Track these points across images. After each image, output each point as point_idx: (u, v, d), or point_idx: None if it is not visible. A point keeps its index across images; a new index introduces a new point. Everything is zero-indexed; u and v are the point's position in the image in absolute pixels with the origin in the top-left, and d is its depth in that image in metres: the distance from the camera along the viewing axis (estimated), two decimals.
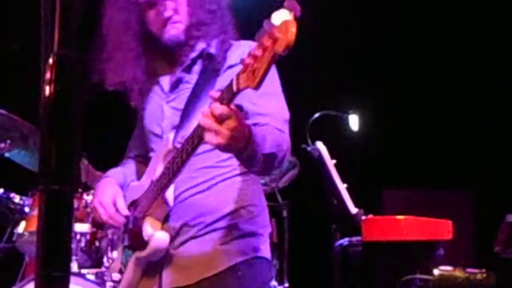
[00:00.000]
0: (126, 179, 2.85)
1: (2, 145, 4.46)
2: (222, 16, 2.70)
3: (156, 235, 2.57)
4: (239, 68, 2.23)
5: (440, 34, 7.00)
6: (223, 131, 2.09)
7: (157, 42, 2.70)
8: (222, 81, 2.51)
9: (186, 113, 2.57)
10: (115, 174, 2.86)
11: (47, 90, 1.31)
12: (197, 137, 2.26)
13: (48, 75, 1.31)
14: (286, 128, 2.53)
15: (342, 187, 4.61)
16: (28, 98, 5.81)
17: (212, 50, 2.63)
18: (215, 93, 2.16)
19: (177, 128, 2.61)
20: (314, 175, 4.78)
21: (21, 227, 4.46)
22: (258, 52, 1.96)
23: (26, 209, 4.57)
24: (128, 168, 2.92)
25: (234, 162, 2.53)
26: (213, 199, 2.61)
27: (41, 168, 1.34)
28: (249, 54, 2.00)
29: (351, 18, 6.83)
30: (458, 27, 6.92)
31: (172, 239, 2.60)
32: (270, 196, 5.66)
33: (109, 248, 2.87)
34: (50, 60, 1.31)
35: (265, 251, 2.64)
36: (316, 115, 5.30)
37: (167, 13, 2.65)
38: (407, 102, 7.17)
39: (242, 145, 2.18)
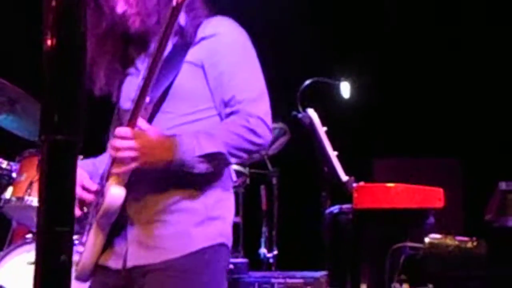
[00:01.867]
0: (97, 168, 2.71)
1: None
2: (195, 10, 2.62)
3: (111, 189, 2.45)
4: (212, 40, 2.46)
5: (436, 5, 6.98)
6: (127, 155, 2.30)
7: (127, 34, 2.63)
8: (194, 52, 2.52)
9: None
10: (83, 163, 2.76)
11: (49, 39, 1.27)
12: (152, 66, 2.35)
13: (49, 22, 1.27)
14: (260, 107, 2.49)
15: (333, 154, 4.58)
16: (16, 62, 5.83)
17: (182, 22, 2.56)
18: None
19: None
20: (305, 142, 4.77)
21: (8, 193, 4.45)
22: None
23: (13, 175, 4.53)
24: (100, 158, 2.79)
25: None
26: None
27: (43, 118, 1.28)
28: None
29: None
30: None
31: (138, 211, 2.53)
32: (259, 164, 5.70)
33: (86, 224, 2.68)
34: (53, 3, 1.27)
35: (229, 237, 2.60)
36: (307, 82, 5.24)
37: (119, 9, 2.58)
38: (398, 71, 7.15)
39: (165, 153, 2.33)
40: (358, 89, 5.94)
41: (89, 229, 2.59)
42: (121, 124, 2.57)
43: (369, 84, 6.71)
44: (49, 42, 1.26)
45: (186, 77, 2.53)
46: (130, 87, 2.64)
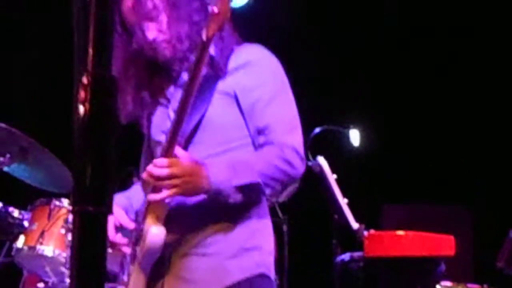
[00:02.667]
0: (131, 202, 2.72)
1: (1, 159, 4.40)
2: (226, 42, 2.61)
3: (151, 230, 2.46)
4: (246, 69, 2.47)
5: (443, 49, 6.99)
6: (169, 183, 2.30)
7: (155, 62, 2.65)
8: (226, 82, 2.53)
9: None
10: (117, 198, 2.71)
11: (81, 109, 1.31)
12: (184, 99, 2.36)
13: (82, 95, 1.31)
14: (294, 138, 2.52)
15: (343, 202, 4.58)
16: (27, 111, 5.83)
17: (212, 52, 2.55)
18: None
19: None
20: (315, 189, 4.76)
21: (20, 242, 4.41)
22: None
23: (25, 224, 4.51)
24: (132, 191, 2.80)
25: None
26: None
27: (74, 189, 1.31)
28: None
29: (352, 33, 6.84)
30: (463, 44, 6.93)
31: (176, 245, 2.53)
32: (269, 211, 5.61)
33: (125, 263, 2.72)
34: (84, 79, 1.32)
35: (269, 266, 2.58)
36: (317, 130, 5.28)
37: (150, 35, 2.58)
38: (408, 117, 7.14)
39: (204, 181, 2.33)
40: (367, 136, 5.94)
41: (129, 268, 2.60)
42: (153, 155, 2.63)
43: (378, 131, 6.70)
44: (81, 111, 1.31)
45: (218, 108, 2.52)
46: (161, 118, 2.67)
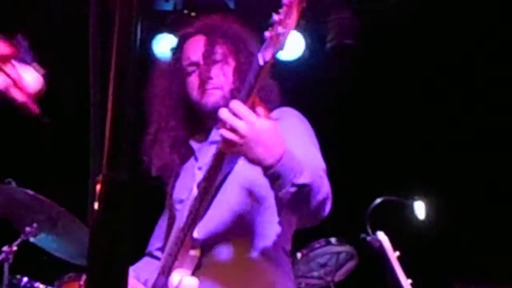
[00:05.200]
0: (138, 276, 2.78)
1: (28, 229, 4.33)
2: (269, 86, 2.73)
3: (184, 281, 2.51)
4: (281, 121, 2.45)
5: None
6: (228, 136, 2.19)
7: (197, 110, 2.75)
8: None
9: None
10: None
11: (96, 206, 1.39)
12: (219, 156, 2.35)
13: (97, 192, 1.39)
14: (325, 177, 2.48)
15: (406, 282, 4.29)
16: (56, 177, 5.74)
17: None
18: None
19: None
20: (374, 268, 4.57)
21: None
22: (281, 16, 2.09)
23: None
24: (140, 263, 2.90)
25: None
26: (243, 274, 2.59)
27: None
28: (273, 23, 2.11)
29: (416, 102, 6.71)
30: None
31: None
32: None
33: None
34: (99, 182, 1.39)
35: None
36: (377, 201, 5.10)
37: (204, 77, 2.69)
38: (479, 188, 6.83)
39: (270, 157, 2.22)
40: (434, 209, 5.86)
41: None
42: (172, 216, 2.73)
43: (446, 203, 6.47)
44: (95, 208, 1.39)
45: (244, 165, 2.46)
46: (187, 176, 2.75)
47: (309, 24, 5.78)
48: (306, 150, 2.52)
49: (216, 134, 2.54)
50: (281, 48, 2.14)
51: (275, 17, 2.10)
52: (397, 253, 4.39)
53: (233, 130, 2.19)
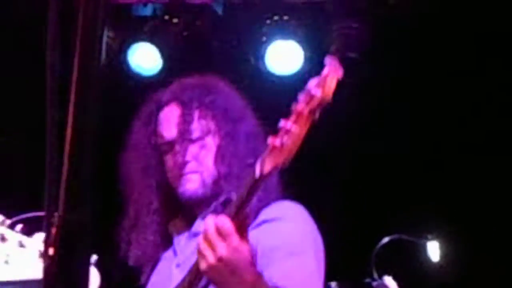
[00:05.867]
0: None
1: None
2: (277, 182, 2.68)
3: None
4: (274, 223, 2.50)
5: None
6: (206, 253, 2.17)
7: (174, 196, 2.70)
8: (251, 236, 2.42)
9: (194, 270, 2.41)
10: None
11: (50, 251, 1.39)
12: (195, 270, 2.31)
13: (51, 239, 1.39)
14: None
15: None
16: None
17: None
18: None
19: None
20: None
21: None
22: (288, 124, 2.06)
23: None
24: None
25: None
26: None
27: None
28: (280, 129, 2.08)
29: (432, 123, 6.63)
30: None
31: None
32: None
33: None
34: (54, 223, 1.39)
35: None
36: (385, 240, 5.21)
37: (180, 159, 2.63)
38: (501, 227, 6.71)
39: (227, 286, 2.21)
40: (450, 250, 5.95)
41: None
42: None
43: (463, 244, 6.44)
44: (49, 253, 1.38)
45: None
46: (163, 273, 2.71)
47: (309, 33, 5.73)
48: (291, 273, 2.47)
49: (200, 225, 2.55)
50: (284, 164, 2.11)
51: (283, 123, 2.07)
52: None
53: (212, 248, 2.20)
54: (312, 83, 2.06)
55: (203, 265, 2.22)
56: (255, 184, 2.17)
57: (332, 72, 2.04)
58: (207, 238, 2.19)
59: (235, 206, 2.23)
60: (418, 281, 5.20)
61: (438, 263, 5.69)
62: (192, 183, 2.63)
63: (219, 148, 2.66)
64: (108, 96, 1.55)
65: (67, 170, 1.38)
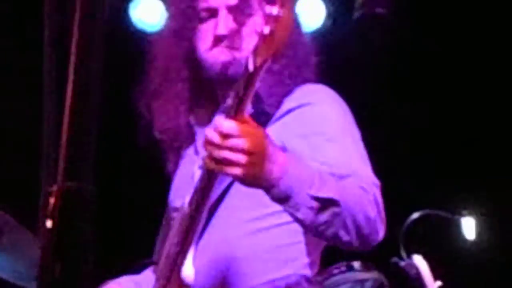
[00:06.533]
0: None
1: None
2: (298, 64, 2.70)
3: None
4: (302, 109, 2.55)
5: None
6: (234, 157, 2.14)
7: (203, 71, 2.72)
8: (274, 130, 2.53)
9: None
10: (123, 283, 2.85)
11: (48, 223, 1.41)
12: (207, 176, 2.32)
13: (50, 207, 1.41)
14: (376, 192, 2.43)
15: None
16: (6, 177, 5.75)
17: (261, 90, 2.58)
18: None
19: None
20: None
21: None
22: (275, 10, 2.05)
23: None
24: (143, 276, 2.90)
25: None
26: (252, 263, 2.61)
27: None
28: (266, 17, 2.07)
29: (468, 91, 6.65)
30: None
31: None
32: None
33: None
34: (53, 191, 1.42)
35: None
36: (414, 216, 5.18)
37: (220, 31, 2.63)
38: None
39: (268, 175, 2.20)
40: (486, 227, 5.95)
41: None
42: (169, 227, 2.78)
43: (501, 220, 6.49)
44: (48, 226, 1.42)
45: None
46: (184, 175, 2.76)
47: None
48: (340, 152, 2.51)
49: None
50: (277, 52, 2.14)
51: (268, 9, 2.08)
52: (439, 282, 4.49)
53: (237, 150, 2.15)
54: None
55: (236, 171, 2.17)
56: (251, 79, 2.17)
57: None
58: (224, 145, 2.15)
59: (233, 104, 2.23)
60: (451, 261, 5.23)
61: (473, 241, 5.73)
62: (226, 56, 2.64)
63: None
64: (108, 56, 1.59)
65: (67, 133, 1.40)
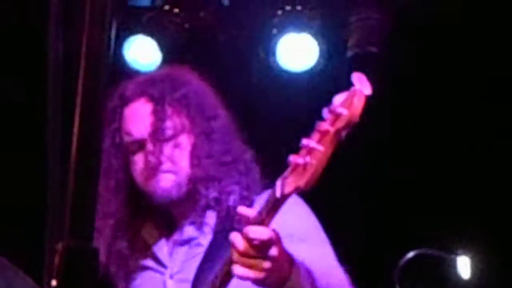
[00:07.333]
0: None
1: None
2: (242, 170, 2.77)
3: None
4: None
5: None
6: (261, 264, 2.18)
7: (145, 199, 2.76)
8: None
9: (198, 283, 2.59)
10: None
11: (53, 283, 1.39)
12: (224, 274, 2.35)
13: (55, 267, 1.39)
14: (342, 277, 2.57)
15: None
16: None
17: (231, 202, 2.69)
18: (246, 211, 2.26)
19: None
20: None
21: None
22: (312, 143, 2.07)
23: None
24: None
25: None
26: None
27: None
28: (302, 147, 2.10)
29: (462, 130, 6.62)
30: None
31: None
32: None
33: None
34: (58, 250, 1.40)
35: None
36: (410, 255, 5.25)
37: (153, 159, 2.68)
38: None
39: (284, 276, 2.26)
40: (482, 267, 5.94)
41: None
42: None
43: (496, 260, 6.40)
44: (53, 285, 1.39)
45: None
46: (154, 287, 2.77)
47: (324, 25, 5.72)
48: (317, 252, 2.58)
49: (189, 231, 2.70)
50: (307, 185, 2.12)
51: (305, 141, 2.10)
52: None
53: (264, 255, 2.21)
54: (338, 100, 2.08)
55: (260, 275, 2.21)
56: (276, 204, 2.20)
57: (360, 89, 2.06)
58: (249, 253, 2.20)
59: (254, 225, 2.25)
60: None
61: (468, 280, 5.72)
62: (166, 182, 2.68)
63: (194, 147, 2.72)
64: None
65: (73, 190, 1.39)
